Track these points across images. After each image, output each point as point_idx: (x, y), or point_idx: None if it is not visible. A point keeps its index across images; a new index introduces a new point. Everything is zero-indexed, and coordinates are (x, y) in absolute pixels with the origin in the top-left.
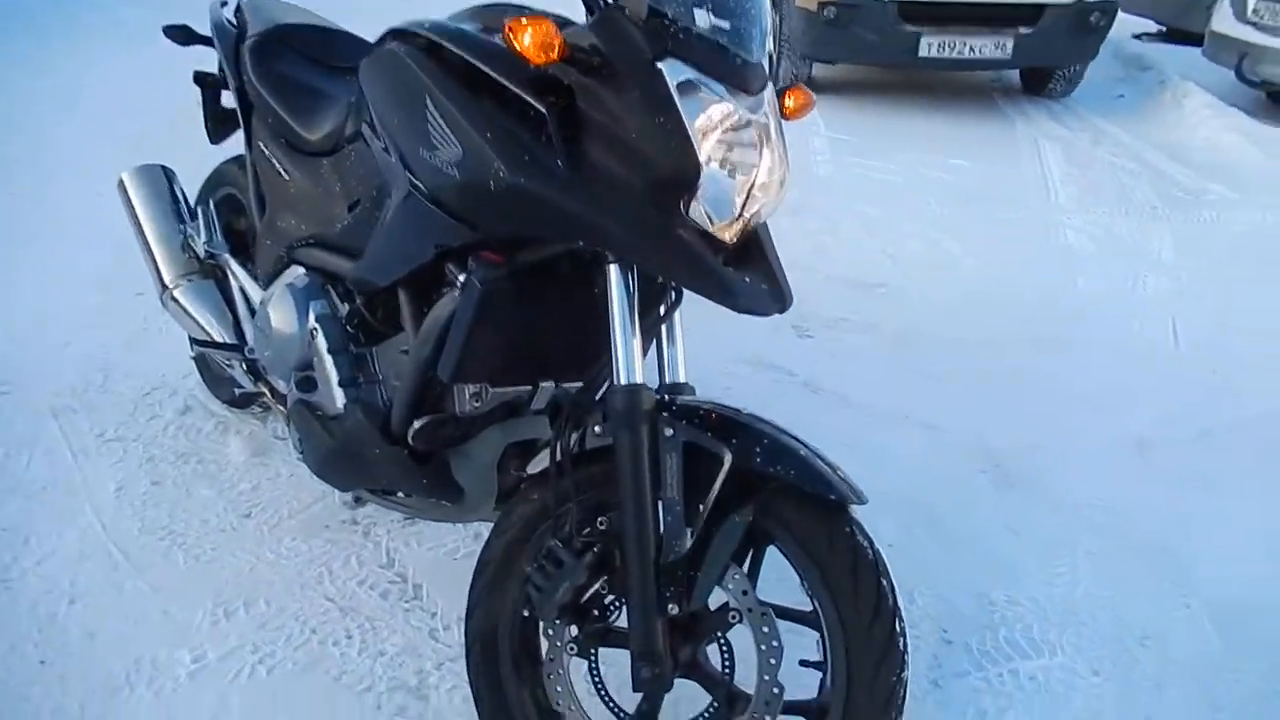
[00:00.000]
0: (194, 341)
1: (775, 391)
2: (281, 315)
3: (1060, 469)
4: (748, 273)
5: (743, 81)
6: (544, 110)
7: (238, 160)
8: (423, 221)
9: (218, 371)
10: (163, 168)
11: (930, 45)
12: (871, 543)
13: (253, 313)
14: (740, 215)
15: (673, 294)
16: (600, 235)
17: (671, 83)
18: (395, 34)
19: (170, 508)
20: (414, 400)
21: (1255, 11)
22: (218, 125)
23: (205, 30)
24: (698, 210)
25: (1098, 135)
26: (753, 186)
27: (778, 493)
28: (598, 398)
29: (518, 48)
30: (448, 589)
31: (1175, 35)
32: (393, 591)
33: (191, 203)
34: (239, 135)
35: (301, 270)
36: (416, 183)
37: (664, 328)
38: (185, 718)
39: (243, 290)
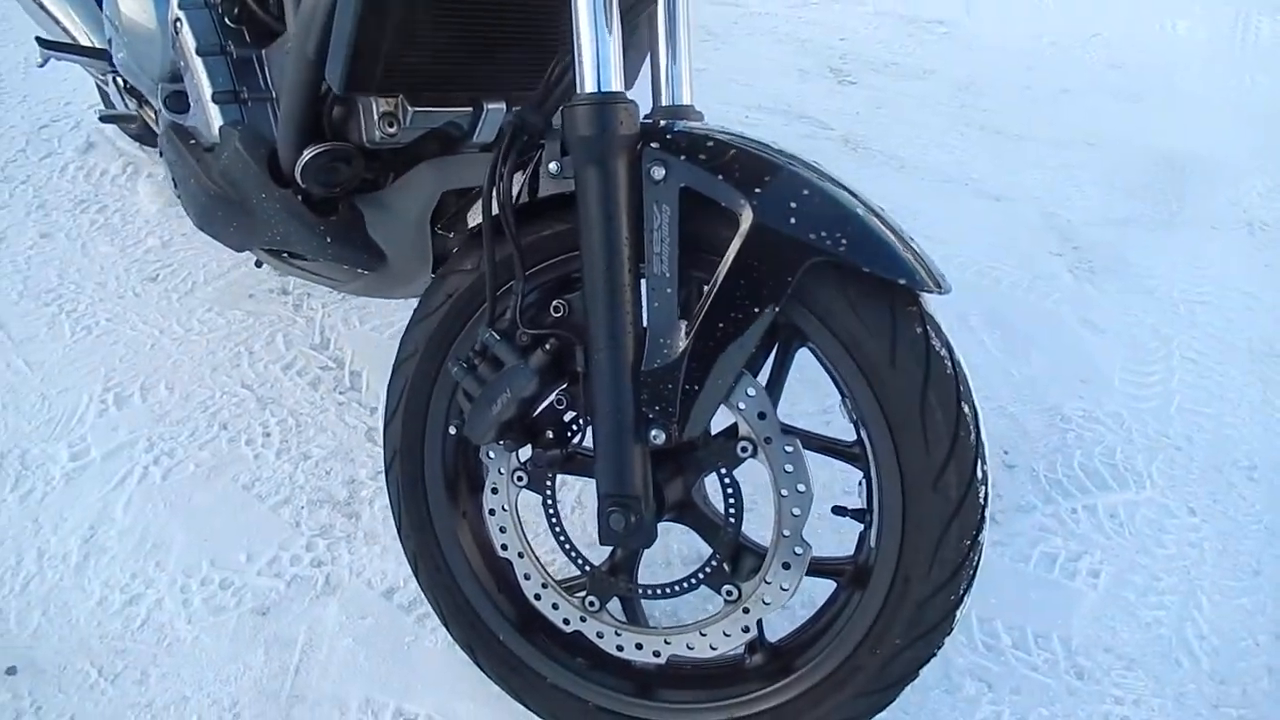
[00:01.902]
0: (41, 43)
1: (806, 148)
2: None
3: (1152, 252)
4: None
5: None
6: None
7: None
8: None
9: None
10: None
11: None
12: (951, 351)
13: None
14: None
15: None
16: None
17: None
18: None
19: (60, 266)
20: (303, 123)
21: None
22: None
23: None
24: None
25: None
26: None
27: (817, 271)
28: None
29: None
30: None
31: None
32: (325, 379)
33: None
34: None
35: None
36: None
37: (662, 35)
38: (54, 528)
39: None
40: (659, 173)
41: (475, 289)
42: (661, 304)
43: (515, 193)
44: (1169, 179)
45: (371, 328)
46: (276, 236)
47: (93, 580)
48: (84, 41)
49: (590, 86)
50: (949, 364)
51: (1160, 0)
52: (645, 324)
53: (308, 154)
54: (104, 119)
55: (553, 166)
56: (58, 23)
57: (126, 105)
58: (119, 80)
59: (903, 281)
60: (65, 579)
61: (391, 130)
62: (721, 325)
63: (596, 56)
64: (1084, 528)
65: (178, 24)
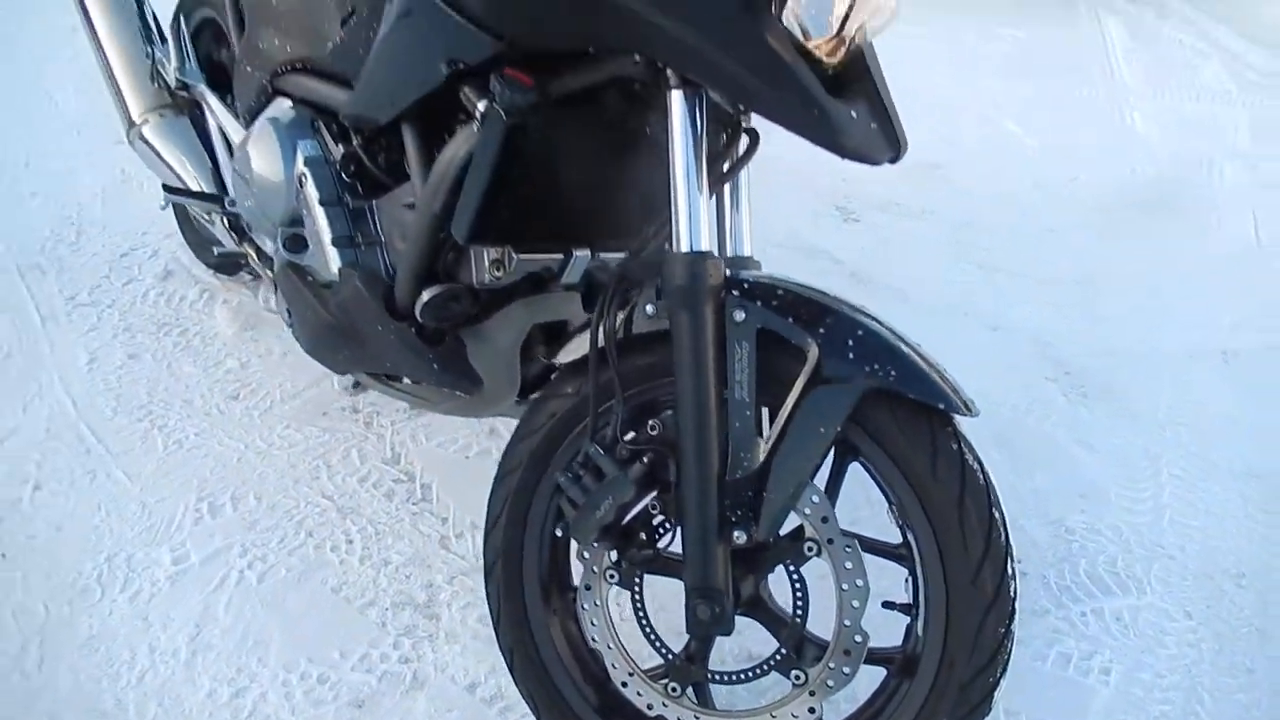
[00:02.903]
0: (167, 189)
1: (819, 281)
2: (263, 158)
3: (1137, 378)
4: (854, 104)
5: None
6: None
7: None
8: (431, 30)
9: (201, 230)
10: None
11: None
12: (981, 464)
13: (234, 156)
14: (841, 30)
15: (746, 139)
16: (666, 42)
17: None
18: None
19: (149, 385)
20: (422, 267)
21: None
22: None
23: None
24: (791, 18)
25: (1163, 9)
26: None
27: (871, 397)
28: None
29: None
30: (460, 491)
31: None
32: (398, 491)
33: (164, 28)
34: None
35: (288, 103)
36: None
37: (727, 188)
38: (163, 626)
39: (222, 129)
40: (740, 316)
41: (574, 411)
42: (742, 424)
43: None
44: (1148, 314)
45: (437, 444)
46: (387, 363)
47: (201, 675)
48: (194, 187)
49: (684, 245)
50: (981, 475)
51: (1133, 148)
52: (728, 439)
53: (427, 294)
54: (221, 255)
55: (649, 309)
56: (173, 172)
57: (235, 242)
58: (225, 220)
59: (941, 406)
60: (176, 673)
61: (498, 274)
62: (792, 442)
63: (690, 219)
64: (1094, 630)
65: (302, 178)
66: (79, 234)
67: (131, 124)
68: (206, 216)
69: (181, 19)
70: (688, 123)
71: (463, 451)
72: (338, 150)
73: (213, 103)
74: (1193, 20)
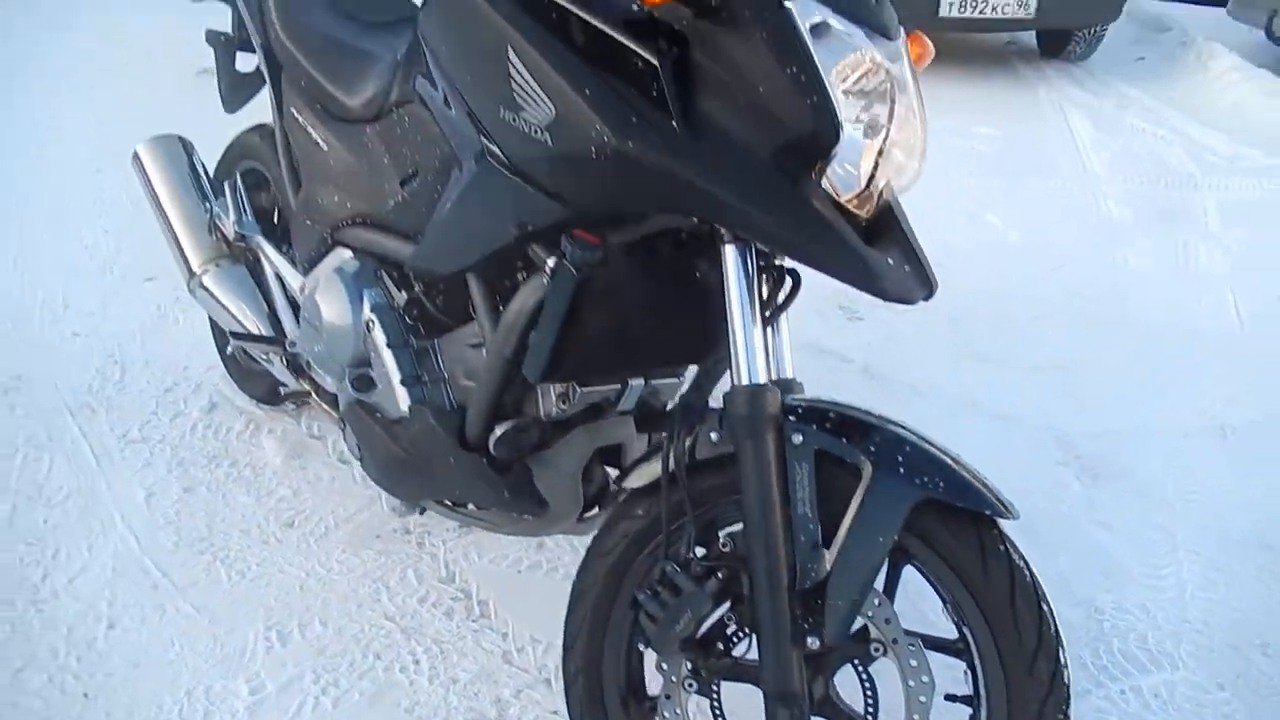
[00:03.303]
0: (233, 335)
1: (835, 379)
2: (332, 306)
3: (1143, 457)
4: (888, 252)
5: (880, 24)
6: (654, 61)
7: (259, 130)
8: (502, 197)
9: (248, 366)
10: (180, 139)
11: (951, 4)
12: (1026, 562)
13: (290, 301)
14: (868, 185)
15: (790, 280)
16: (722, 208)
17: (804, 24)
18: None
19: (207, 517)
20: (492, 404)
21: None
22: (234, 91)
23: None
24: (829, 178)
25: (1122, 100)
26: (883, 149)
27: (919, 506)
28: (707, 397)
29: None
30: (516, 605)
31: None
32: (457, 610)
33: (211, 177)
34: (256, 102)
35: (349, 254)
36: (495, 150)
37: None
38: None
39: (279, 276)
40: (798, 439)
41: (646, 531)
42: (806, 537)
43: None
44: (1143, 394)
45: (489, 560)
46: (457, 492)
47: None
48: (253, 330)
49: (744, 378)
50: (1028, 573)
51: (1109, 236)
52: (795, 553)
53: (500, 429)
54: (286, 396)
55: (713, 436)
56: (234, 318)
57: (294, 379)
58: (286, 359)
59: (988, 512)
60: None
61: (564, 406)
62: (854, 552)
63: (747, 355)
64: (1134, 707)
65: (370, 324)
66: (123, 372)
67: (192, 274)
68: (265, 357)
69: (229, 171)
70: (740, 272)
71: (514, 566)
72: (400, 296)
73: (269, 252)
74: (1152, 109)
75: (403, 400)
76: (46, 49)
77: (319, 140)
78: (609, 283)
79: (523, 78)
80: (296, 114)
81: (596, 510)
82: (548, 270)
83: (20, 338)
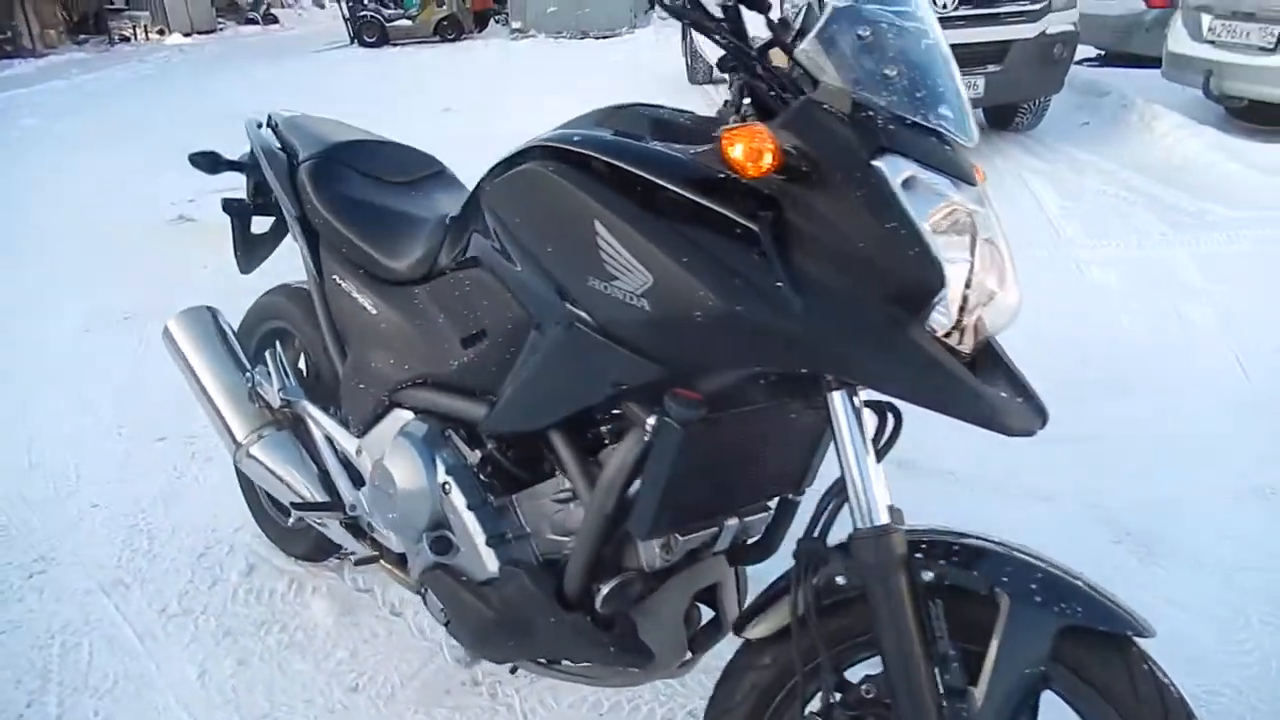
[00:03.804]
0: (294, 506)
1: None
2: (404, 471)
3: (1192, 528)
4: (997, 386)
5: (961, 171)
6: (754, 227)
7: (284, 291)
8: (593, 358)
9: (289, 525)
10: (208, 309)
11: None
12: (1170, 679)
13: (344, 463)
14: (959, 320)
15: (891, 418)
16: (832, 359)
17: (894, 181)
18: (534, 151)
19: (266, 690)
20: (592, 560)
21: (1212, 30)
22: (250, 253)
23: (235, 155)
24: (933, 321)
25: (1077, 165)
26: (970, 283)
27: (1061, 632)
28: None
29: (731, 159)
30: None
31: (1116, 59)
32: None
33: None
34: (270, 264)
35: (410, 415)
36: (583, 315)
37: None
38: None
39: (328, 439)
40: (928, 576)
41: (774, 681)
42: (950, 675)
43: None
44: (1170, 460)
45: (568, 705)
46: (559, 650)
47: None
48: (307, 497)
49: (865, 521)
50: (1175, 690)
51: (1101, 302)
52: (940, 691)
53: (606, 587)
54: (359, 562)
55: (839, 579)
56: (286, 485)
57: (358, 543)
58: (349, 524)
59: (1129, 633)
60: None
61: (667, 556)
62: (1003, 687)
63: (867, 499)
64: None
65: (446, 487)
66: (150, 540)
67: (238, 445)
68: (320, 522)
69: (254, 334)
70: (852, 418)
71: (594, 710)
72: (473, 455)
73: (317, 416)
74: (1108, 171)
75: (490, 561)
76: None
77: (366, 305)
78: (711, 434)
79: (614, 249)
80: (339, 280)
81: (691, 655)
82: (648, 429)
83: (36, 516)
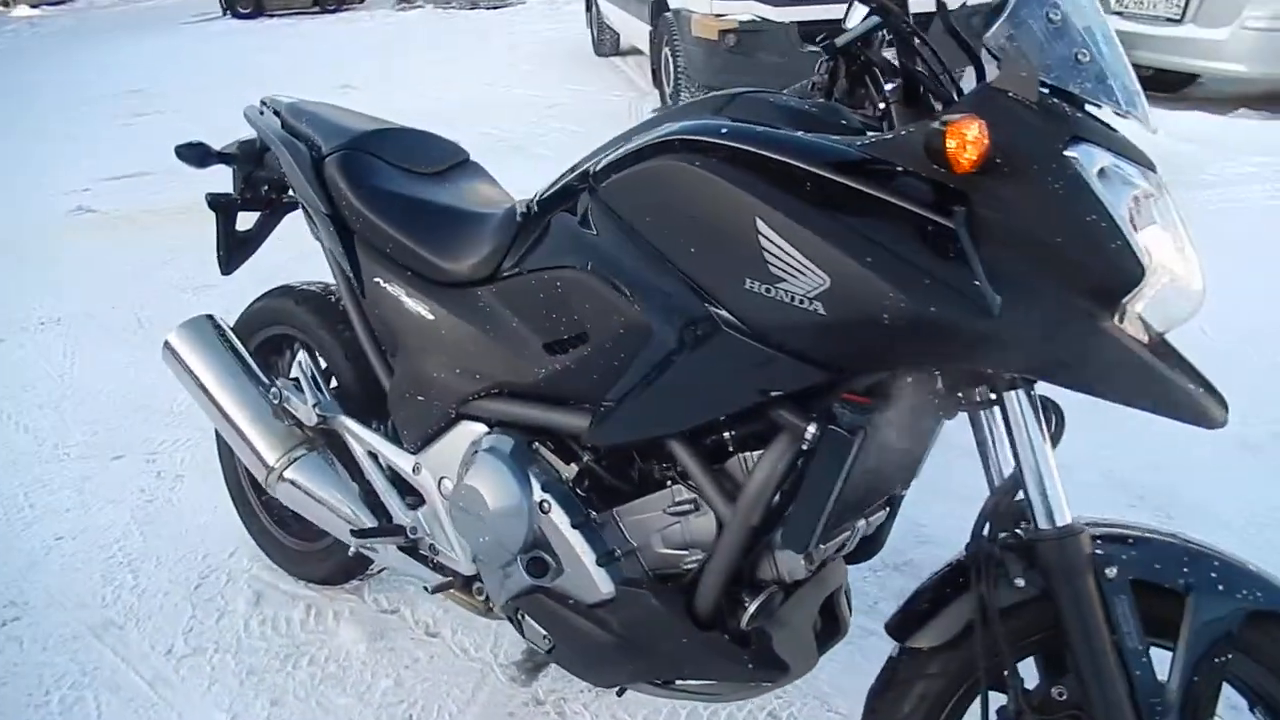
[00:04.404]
0: (355, 534)
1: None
2: (496, 490)
3: (1197, 486)
4: (1183, 377)
5: (1143, 158)
6: (948, 223)
7: (288, 293)
8: (741, 364)
9: (304, 548)
10: (209, 318)
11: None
12: None
13: (396, 482)
14: (1147, 313)
15: (1054, 417)
16: (1028, 358)
17: (1091, 172)
18: (672, 145)
19: None
20: (729, 575)
21: (1120, 1)
22: (234, 253)
23: (232, 144)
24: (1130, 313)
25: None
26: (1158, 280)
27: (1244, 620)
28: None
29: (949, 153)
30: None
31: None
32: None
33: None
34: (252, 262)
35: (482, 428)
36: (731, 319)
37: (994, 434)
38: None
39: (373, 455)
40: (1112, 572)
41: (946, 690)
42: (1142, 671)
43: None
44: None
45: (644, 717)
46: (687, 670)
47: None
48: (352, 521)
49: (1046, 523)
50: None
51: None
52: (1133, 688)
53: (753, 603)
54: (435, 589)
55: (1019, 582)
56: (329, 510)
57: (438, 573)
58: (421, 552)
59: None
60: None
61: (810, 566)
62: (1195, 679)
63: (1052, 495)
64: None
65: (544, 505)
66: (134, 574)
67: (269, 469)
68: (368, 546)
69: (252, 339)
70: (1031, 417)
71: (671, 718)
72: (568, 469)
73: (360, 432)
74: None
75: (603, 582)
76: None
77: (420, 309)
78: (873, 438)
79: (781, 250)
80: (383, 283)
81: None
82: (808, 436)
83: None
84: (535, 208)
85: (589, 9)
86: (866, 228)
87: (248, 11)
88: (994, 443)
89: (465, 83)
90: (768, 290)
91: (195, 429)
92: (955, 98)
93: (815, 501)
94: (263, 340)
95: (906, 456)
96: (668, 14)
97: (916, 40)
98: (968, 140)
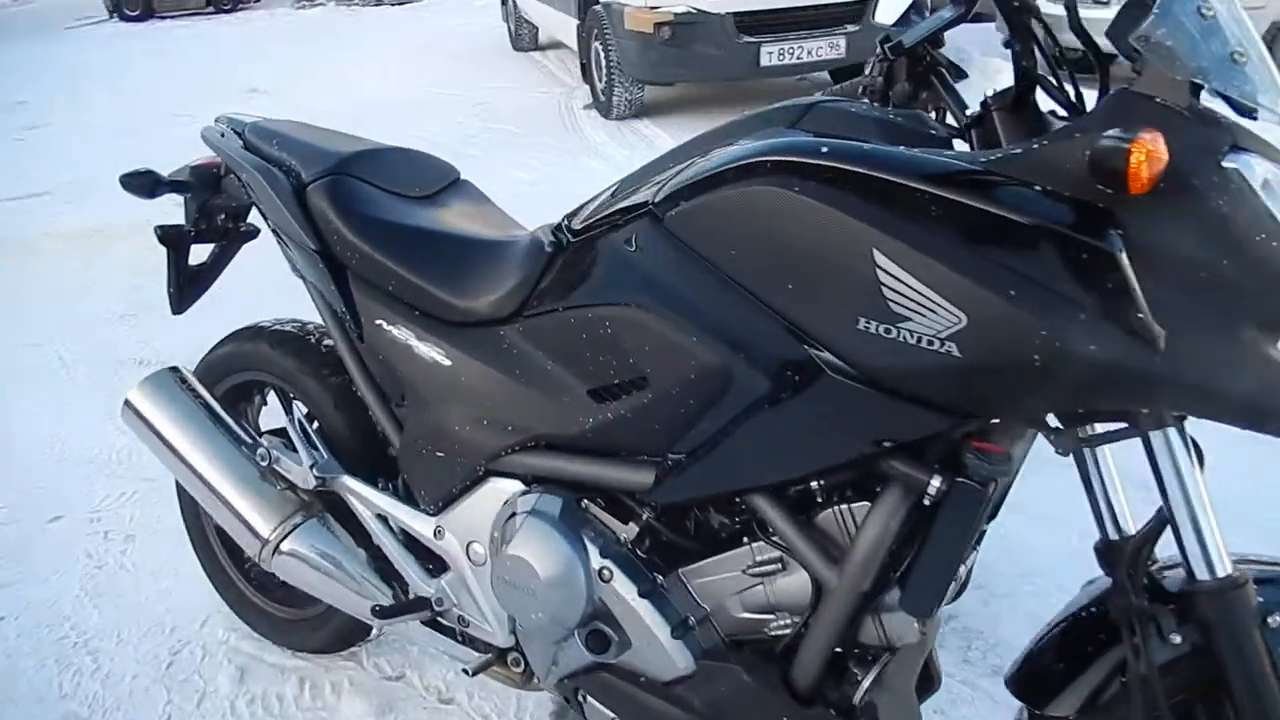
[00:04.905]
0: (378, 613)
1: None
2: (548, 557)
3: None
4: None
5: None
6: (1107, 248)
7: (257, 336)
8: (850, 412)
9: (295, 616)
10: (173, 371)
11: (771, 54)
12: None
13: (414, 547)
14: None
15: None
16: (1192, 394)
17: (1254, 185)
18: (762, 167)
19: None
20: (835, 645)
21: None
22: (184, 290)
23: (195, 169)
24: None
25: None
26: None
27: None
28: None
29: (1131, 172)
30: None
31: None
32: None
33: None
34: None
35: (518, 485)
36: (837, 363)
37: (1102, 470)
38: None
39: (382, 518)
40: (1275, 621)
41: None
42: None
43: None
44: None
45: None
46: None
47: None
48: (362, 593)
49: (1203, 572)
50: None
51: None
52: None
53: (869, 677)
54: (476, 671)
55: (1175, 638)
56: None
57: (466, 645)
58: (447, 624)
59: None
60: None
61: (923, 629)
62: None
63: (1212, 544)
64: None
65: (605, 572)
66: (94, 656)
67: (264, 542)
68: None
69: (219, 385)
70: (1184, 457)
71: None
72: (626, 529)
73: (367, 493)
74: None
75: (679, 656)
76: None
77: (433, 354)
78: (1004, 489)
79: (905, 285)
80: (386, 325)
81: None
82: (931, 490)
83: None
84: (569, 237)
85: (504, 3)
86: (1007, 257)
87: (136, 14)
88: (1102, 479)
89: (381, 84)
90: (887, 331)
91: (140, 479)
92: (1077, 105)
93: (943, 561)
94: (233, 389)
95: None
96: (596, 7)
97: (1045, 42)
98: (1152, 157)
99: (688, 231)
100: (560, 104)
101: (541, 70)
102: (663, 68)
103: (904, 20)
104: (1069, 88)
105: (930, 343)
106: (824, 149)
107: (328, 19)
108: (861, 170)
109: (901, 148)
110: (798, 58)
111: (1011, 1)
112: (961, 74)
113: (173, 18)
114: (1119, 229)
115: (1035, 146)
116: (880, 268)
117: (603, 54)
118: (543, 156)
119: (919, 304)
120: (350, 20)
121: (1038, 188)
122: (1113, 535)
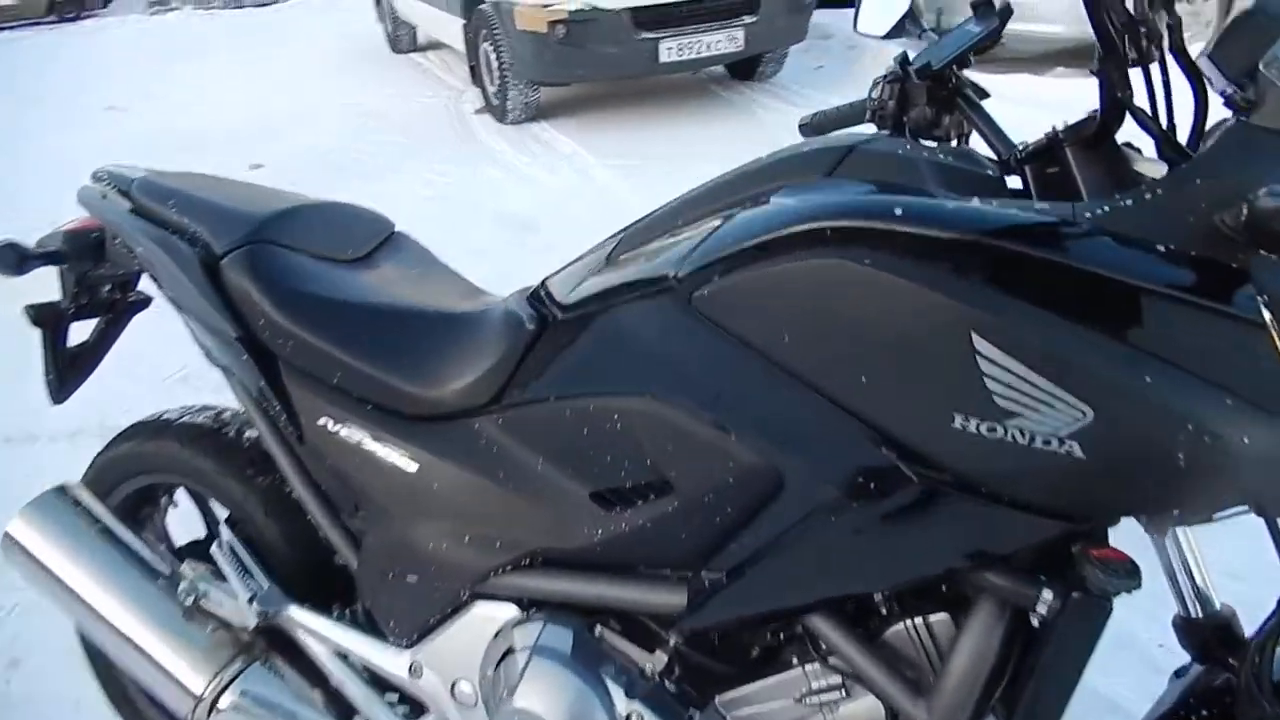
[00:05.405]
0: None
1: None
2: (563, 707)
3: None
4: None
5: None
6: (1256, 318)
7: (159, 431)
8: (936, 521)
9: None
10: (62, 490)
11: (670, 50)
12: None
13: (381, 690)
14: None
15: None
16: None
17: None
18: (821, 235)
19: None
20: None
21: None
22: (64, 375)
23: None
24: None
25: (822, 106)
26: None
27: None
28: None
29: None
30: None
31: (832, 1)
32: None
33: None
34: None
35: (511, 611)
36: (926, 467)
37: (1180, 540)
38: None
39: (342, 655)
40: None
41: None
42: None
43: None
44: None
45: None
46: None
47: None
48: None
49: None
50: None
51: None
52: None
53: None
54: None
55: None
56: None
57: None
58: None
59: None
60: None
61: None
62: None
63: None
64: None
65: (634, 717)
66: None
67: (197, 700)
68: None
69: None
70: None
71: None
72: (654, 658)
73: (320, 627)
74: None
75: None
76: None
77: (395, 458)
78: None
79: (1012, 374)
80: (335, 424)
81: None
82: (1044, 606)
83: None
84: (556, 312)
85: (379, 3)
86: (1138, 334)
87: None
88: (1180, 549)
89: (254, 94)
90: (991, 430)
91: (24, 590)
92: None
93: (1061, 685)
94: (131, 495)
95: None
96: (483, 6)
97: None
98: None
99: (725, 313)
100: (450, 109)
101: (424, 73)
102: (559, 68)
103: (896, 32)
104: (1162, 119)
105: (1046, 442)
106: (898, 209)
107: (185, 24)
108: (950, 235)
109: (992, 203)
110: (697, 52)
111: (1108, 15)
112: (983, 94)
113: (10, 29)
114: (1261, 292)
115: (1148, 196)
116: (981, 354)
117: (493, 55)
118: (441, 168)
119: (1031, 397)
120: (209, 25)
121: (1160, 247)
122: (1195, 613)
